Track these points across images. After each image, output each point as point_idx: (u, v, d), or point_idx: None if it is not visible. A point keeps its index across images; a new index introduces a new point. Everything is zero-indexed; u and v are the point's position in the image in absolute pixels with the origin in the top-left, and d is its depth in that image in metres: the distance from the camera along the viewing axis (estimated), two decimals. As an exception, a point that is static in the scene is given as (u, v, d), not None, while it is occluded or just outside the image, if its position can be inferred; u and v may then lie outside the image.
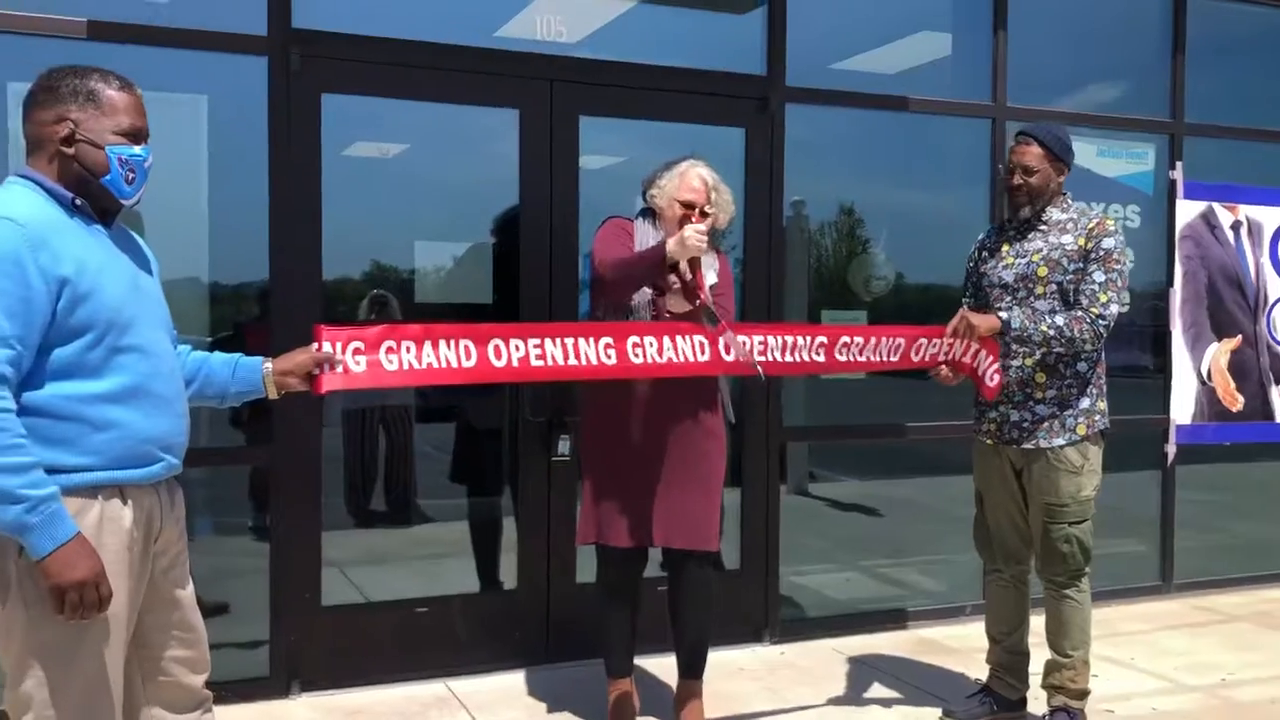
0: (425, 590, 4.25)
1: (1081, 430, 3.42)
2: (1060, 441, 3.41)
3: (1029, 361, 3.44)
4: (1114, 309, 3.37)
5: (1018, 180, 3.46)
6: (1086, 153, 5.13)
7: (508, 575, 4.30)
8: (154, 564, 2.30)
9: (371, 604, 4.20)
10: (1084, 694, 3.53)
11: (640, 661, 3.71)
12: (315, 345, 2.62)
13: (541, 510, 4.20)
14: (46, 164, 2.23)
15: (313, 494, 3.91)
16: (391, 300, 4.70)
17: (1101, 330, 3.35)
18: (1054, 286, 3.41)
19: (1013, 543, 3.60)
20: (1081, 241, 3.40)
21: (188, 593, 2.42)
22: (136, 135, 2.27)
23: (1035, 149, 3.44)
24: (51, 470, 2.10)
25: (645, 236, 3.42)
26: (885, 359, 3.40)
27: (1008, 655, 3.67)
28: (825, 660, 4.27)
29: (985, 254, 3.63)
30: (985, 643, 3.71)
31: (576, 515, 4.22)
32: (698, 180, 3.39)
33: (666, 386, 3.33)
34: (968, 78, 5.00)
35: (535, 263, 4.16)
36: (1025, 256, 3.48)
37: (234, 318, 4.06)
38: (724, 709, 3.70)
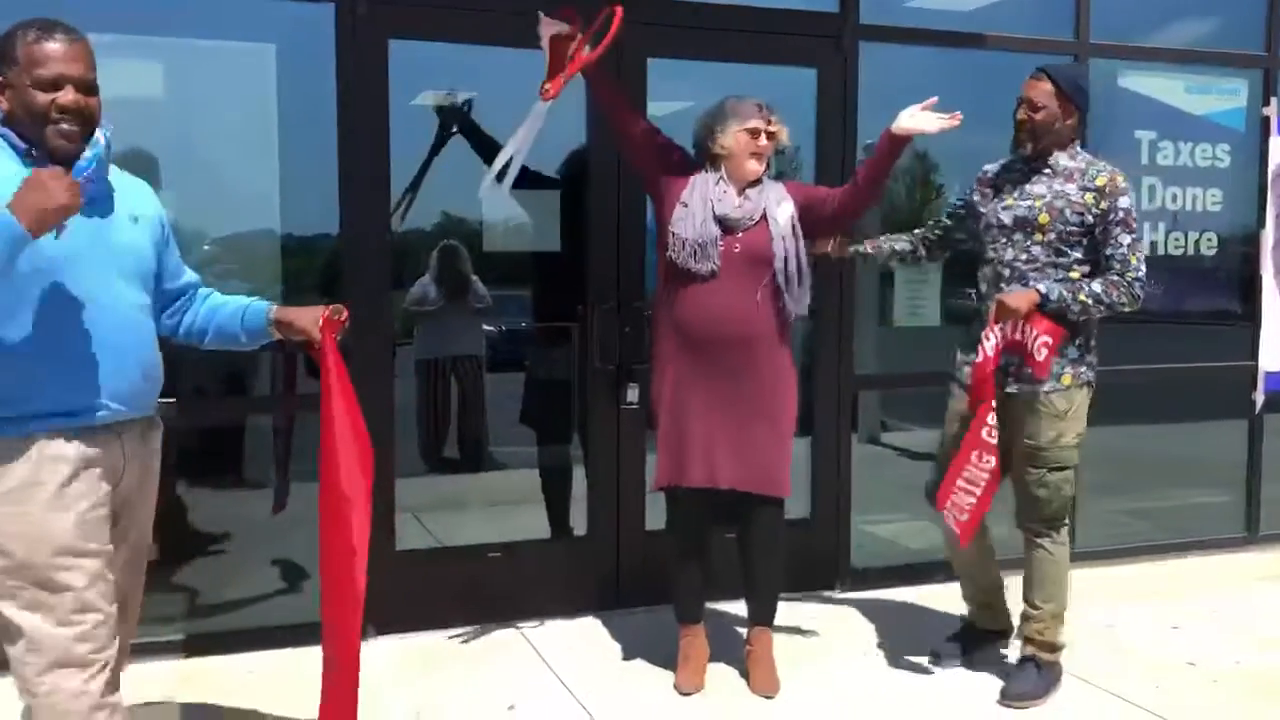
0: (496, 536, 4.30)
1: (1067, 380, 3.37)
2: (1045, 388, 3.36)
3: None
4: (1144, 269, 3.33)
5: (1022, 115, 3.40)
6: (1173, 89, 4.94)
7: (577, 521, 4.33)
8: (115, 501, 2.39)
9: (445, 549, 4.27)
10: (1055, 647, 3.49)
11: (711, 607, 3.71)
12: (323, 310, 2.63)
13: (610, 457, 4.21)
14: (9, 120, 2.29)
15: (386, 441, 3.94)
16: (461, 250, 4.72)
17: (1139, 293, 3.32)
18: (1053, 235, 3.35)
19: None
20: (1090, 198, 3.33)
21: (129, 544, 2.49)
22: (54, 84, 2.25)
23: (1046, 85, 3.37)
24: None
25: (706, 181, 3.38)
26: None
27: (985, 598, 3.69)
28: (897, 610, 4.24)
29: (989, 191, 3.54)
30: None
31: (646, 463, 4.26)
32: (751, 106, 3.39)
33: (739, 330, 3.33)
34: (1049, 13, 4.81)
35: (603, 210, 4.12)
36: (1027, 199, 3.41)
37: (305, 269, 4.10)
38: (795, 657, 3.70)
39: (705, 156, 3.46)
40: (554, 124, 4.21)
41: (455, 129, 4.19)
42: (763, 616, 3.55)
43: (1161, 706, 3.42)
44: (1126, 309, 3.34)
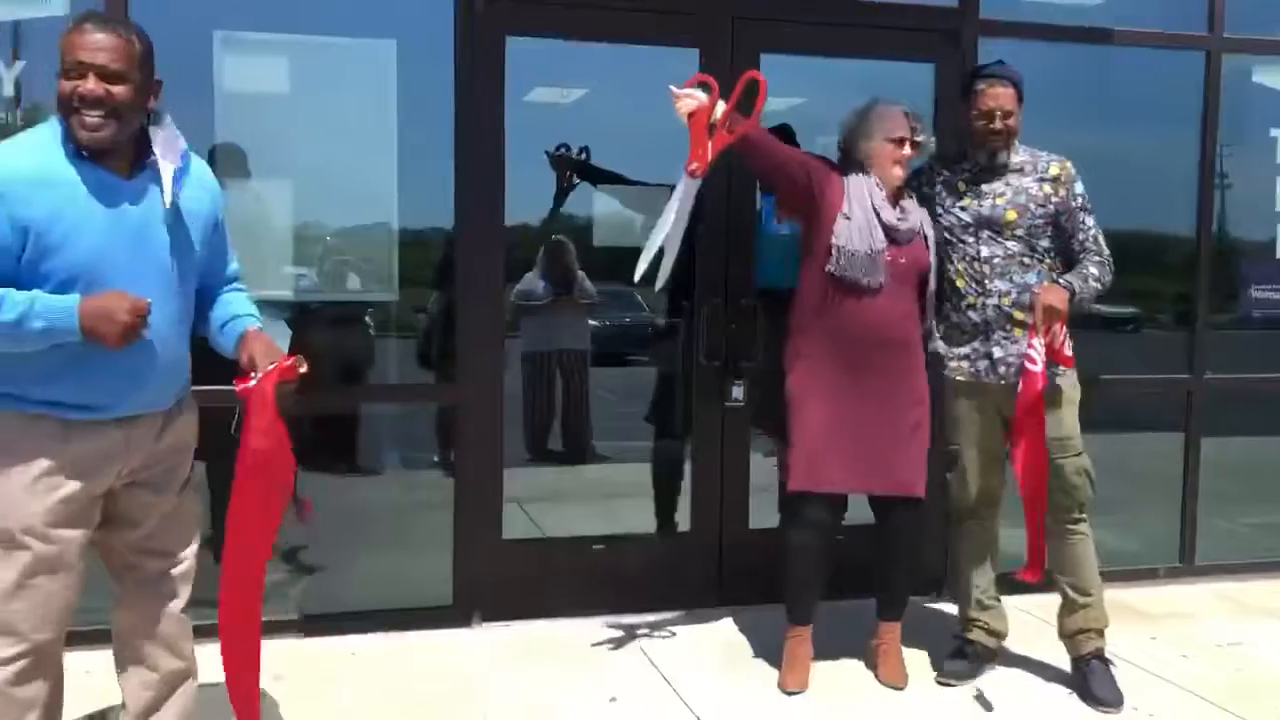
0: (598, 529, 4.33)
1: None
2: (1064, 379, 3.37)
3: (1005, 301, 3.39)
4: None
5: (998, 125, 3.38)
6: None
7: (681, 517, 4.33)
8: (122, 484, 2.43)
9: (549, 539, 4.31)
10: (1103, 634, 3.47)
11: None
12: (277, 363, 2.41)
13: (715, 455, 4.20)
14: None
15: (496, 431, 4.01)
16: (568, 245, 4.77)
17: (1113, 269, 3.42)
18: (1021, 230, 3.39)
19: (992, 484, 3.52)
20: (1048, 189, 3.40)
21: (158, 513, 2.51)
22: (77, 71, 2.26)
23: (1011, 91, 3.39)
24: (3, 395, 2.29)
25: (861, 190, 3.36)
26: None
27: (989, 600, 3.62)
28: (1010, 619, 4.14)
29: (940, 191, 3.50)
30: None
31: (749, 461, 4.24)
32: (898, 114, 3.38)
33: (896, 339, 3.36)
34: (1176, 6, 4.64)
35: (713, 207, 4.11)
36: (986, 198, 3.43)
37: (420, 262, 4.18)
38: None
39: (850, 160, 3.45)
40: (665, 118, 4.23)
41: (575, 177, 4.22)
42: (893, 613, 3.58)
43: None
44: (1108, 288, 3.42)
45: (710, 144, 3.20)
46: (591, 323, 5.14)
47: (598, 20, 3.96)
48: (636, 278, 3.33)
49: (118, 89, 2.28)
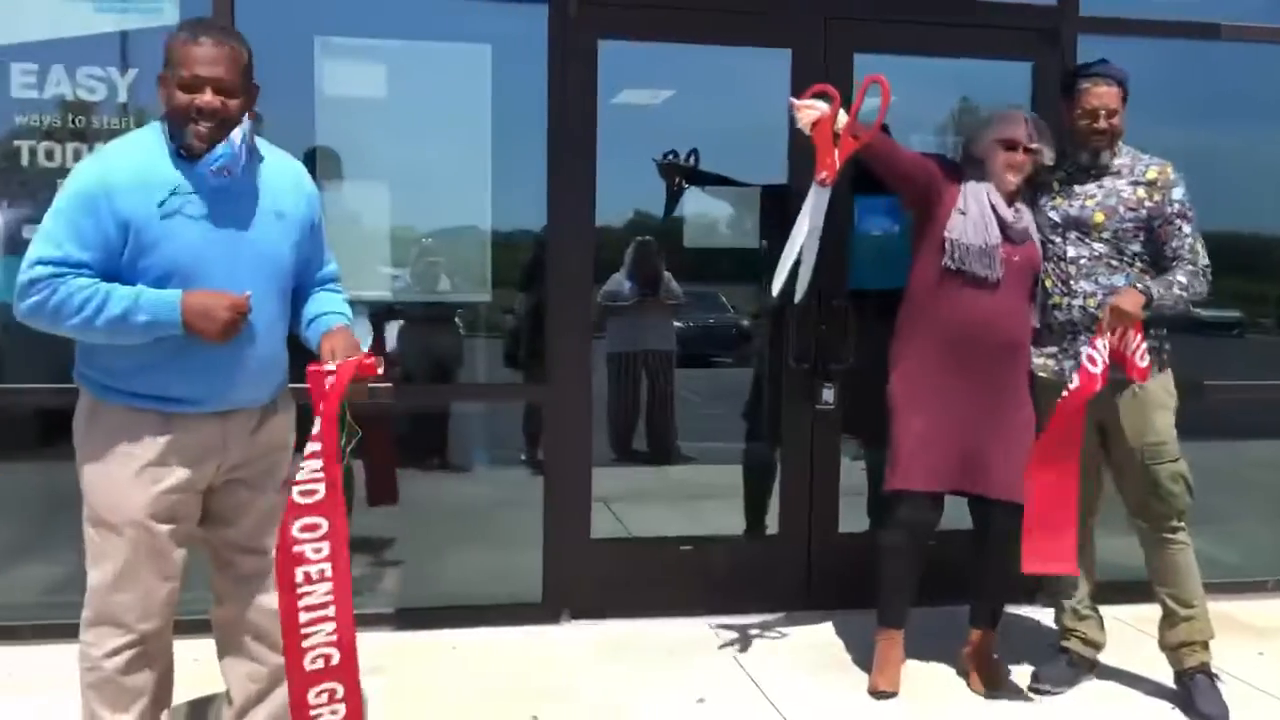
0: (683, 529, 4.34)
1: (1154, 366, 3.26)
2: (1149, 381, 3.26)
3: (1091, 302, 3.29)
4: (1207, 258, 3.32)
5: (1102, 124, 3.29)
6: None
7: (770, 520, 4.32)
8: (221, 480, 2.50)
9: (638, 539, 4.33)
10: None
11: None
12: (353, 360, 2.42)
13: (804, 457, 4.17)
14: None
15: (584, 431, 4.04)
16: (655, 246, 4.79)
17: (1209, 280, 3.30)
18: (1109, 233, 3.32)
19: (1089, 491, 3.39)
20: (1142, 193, 3.31)
21: (256, 510, 2.57)
22: (191, 86, 2.35)
23: (1116, 90, 3.32)
24: (107, 387, 2.39)
25: (979, 188, 3.34)
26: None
27: (1085, 610, 3.53)
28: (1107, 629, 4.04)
29: (1034, 190, 3.43)
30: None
31: (839, 464, 4.21)
32: (1019, 119, 3.35)
33: (1011, 338, 3.34)
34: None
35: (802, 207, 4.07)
36: (1076, 199, 3.37)
37: (511, 263, 4.23)
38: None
39: (969, 160, 3.44)
40: (755, 120, 4.22)
41: (684, 183, 4.24)
42: (991, 619, 3.53)
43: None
44: (1202, 298, 3.31)
45: (837, 152, 3.21)
46: (676, 324, 5.15)
47: (689, 22, 3.97)
48: (775, 291, 3.34)
49: (232, 102, 2.38)
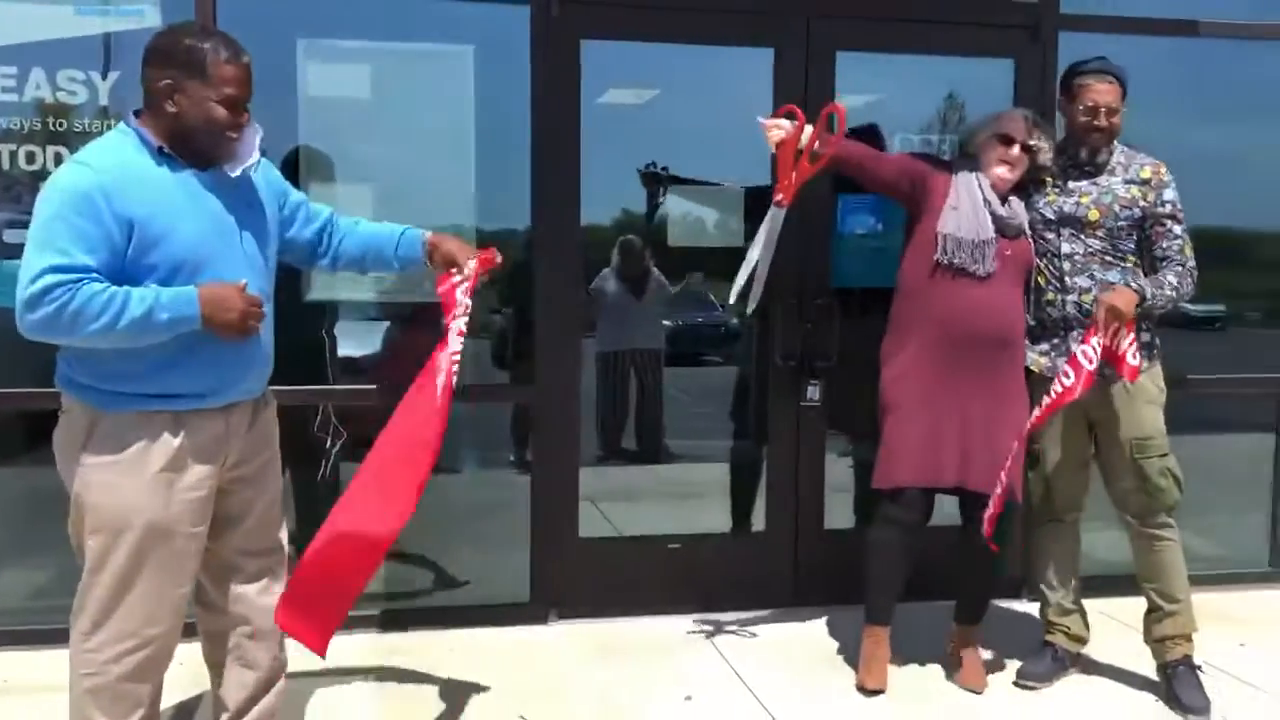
0: (671, 528, 4.34)
1: (1144, 362, 3.27)
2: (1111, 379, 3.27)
3: (1085, 298, 3.31)
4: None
5: (1102, 122, 3.30)
6: None
7: (757, 518, 4.33)
8: (226, 478, 2.51)
9: (625, 538, 4.34)
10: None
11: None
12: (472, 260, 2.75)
13: (790, 455, 4.19)
14: (152, 117, 2.39)
15: (572, 431, 4.04)
16: (636, 243, 4.79)
17: (1195, 280, 3.33)
18: (1104, 230, 3.33)
19: (1076, 486, 3.45)
20: (1136, 192, 3.33)
21: (258, 509, 2.61)
22: (234, 104, 2.39)
23: (1115, 87, 3.33)
24: (113, 394, 2.36)
25: (971, 182, 3.35)
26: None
27: (1070, 604, 3.55)
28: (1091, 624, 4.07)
29: (1028, 186, 3.43)
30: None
31: (825, 462, 4.22)
32: (1018, 117, 3.37)
33: (1004, 333, 3.34)
34: (1273, -4, 4.52)
35: (789, 206, 4.08)
36: (1071, 196, 3.38)
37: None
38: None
39: (965, 156, 3.47)
40: (737, 118, 4.23)
41: (664, 193, 4.27)
42: (975, 615, 3.55)
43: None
44: (1188, 299, 3.34)
45: (795, 174, 3.26)
46: (664, 322, 5.15)
47: (672, 22, 3.98)
48: (730, 301, 3.42)
49: (248, 112, 2.46)
